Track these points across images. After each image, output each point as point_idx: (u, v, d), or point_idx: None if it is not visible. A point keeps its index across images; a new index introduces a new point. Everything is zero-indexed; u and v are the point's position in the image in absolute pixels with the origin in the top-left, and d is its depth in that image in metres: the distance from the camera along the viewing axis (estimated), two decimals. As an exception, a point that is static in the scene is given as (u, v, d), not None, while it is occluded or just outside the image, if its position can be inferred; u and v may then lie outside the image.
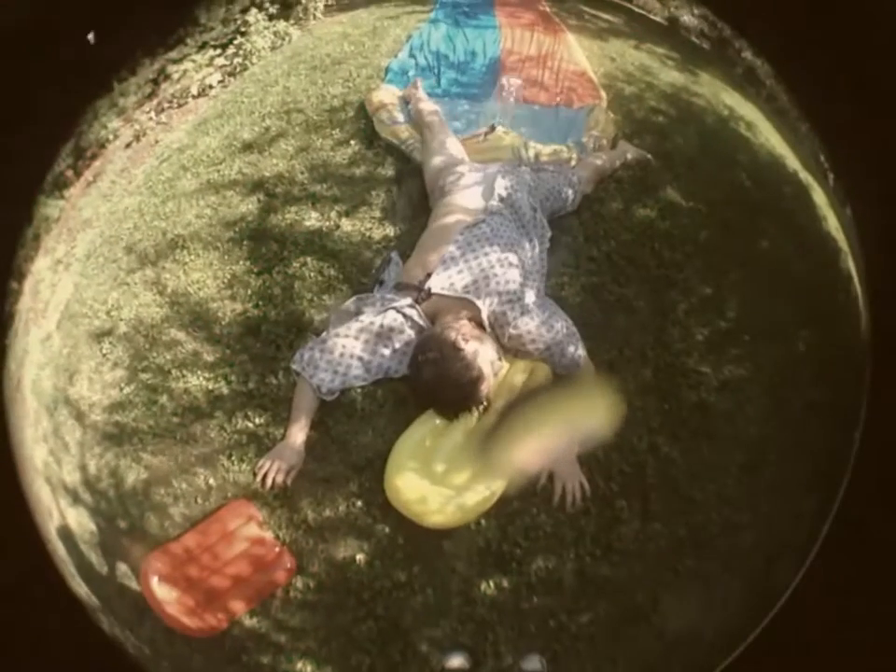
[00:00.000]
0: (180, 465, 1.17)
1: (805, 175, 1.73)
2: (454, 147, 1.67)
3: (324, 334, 1.23)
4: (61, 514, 1.12)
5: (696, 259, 1.53)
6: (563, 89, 2.33)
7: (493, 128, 1.88)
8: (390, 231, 1.54)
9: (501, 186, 1.43)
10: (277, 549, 1.09)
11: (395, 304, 1.20)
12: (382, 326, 1.19)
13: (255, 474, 1.13)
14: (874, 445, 0.68)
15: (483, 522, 1.11)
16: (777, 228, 1.71)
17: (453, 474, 1.12)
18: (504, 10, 3.23)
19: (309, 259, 1.45)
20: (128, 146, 2.30)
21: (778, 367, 1.40)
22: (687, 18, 2.54)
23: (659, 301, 1.41)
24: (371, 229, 1.54)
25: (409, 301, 1.21)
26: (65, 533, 1.10)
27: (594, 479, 1.17)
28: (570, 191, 1.56)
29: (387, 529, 1.11)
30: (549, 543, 1.15)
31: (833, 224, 1.51)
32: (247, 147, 1.94)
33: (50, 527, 1.08)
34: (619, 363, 1.29)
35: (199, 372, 1.25)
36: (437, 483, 1.11)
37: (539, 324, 1.19)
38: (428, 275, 1.23)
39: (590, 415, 1.10)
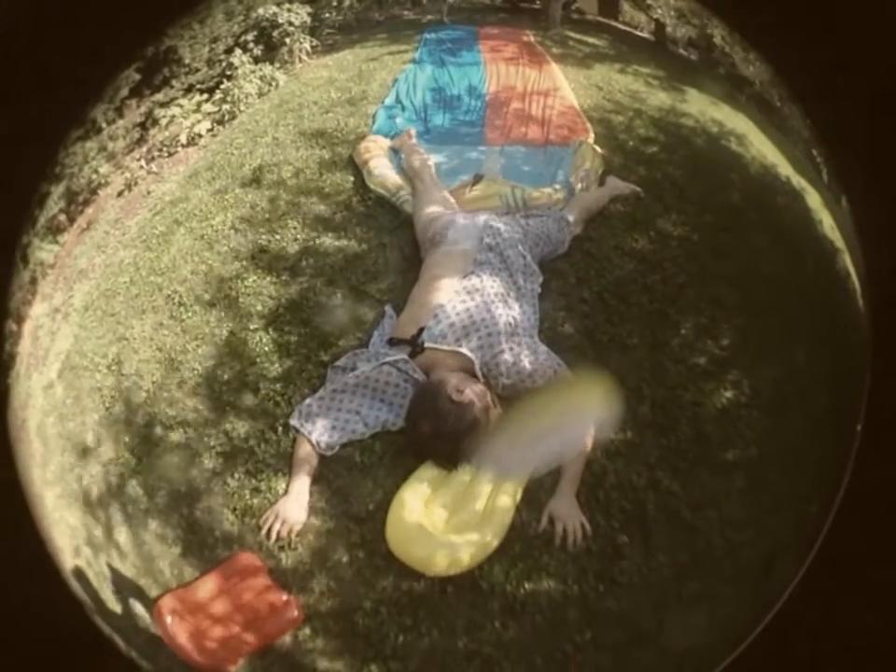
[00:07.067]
0: (185, 518, 1.19)
1: (798, 180, 1.72)
2: (444, 197, 1.68)
3: (321, 390, 1.25)
4: (75, 552, 1.15)
5: (689, 288, 1.54)
6: (550, 126, 2.30)
7: (479, 177, 1.87)
8: (383, 284, 1.56)
9: (490, 236, 1.45)
10: (285, 597, 1.12)
11: (389, 359, 1.22)
12: (377, 381, 1.21)
13: (259, 527, 1.15)
14: (874, 447, 0.68)
15: (485, 567, 1.12)
16: (770, 244, 1.71)
17: (454, 522, 1.13)
18: (488, 44, 3.20)
19: (304, 315, 1.46)
20: (120, 194, 2.31)
21: (778, 385, 1.40)
22: (672, 28, 2.52)
23: (653, 336, 1.41)
24: (364, 283, 1.56)
25: (403, 355, 1.23)
26: (79, 572, 1.12)
27: (594, 518, 1.18)
28: (561, 234, 1.57)
29: (391, 578, 1.12)
30: (552, 582, 1.16)
31: (828, 223, 1.50)
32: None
33: (64, 564, 1.10)
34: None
35: (200, 429, 1.27)
36: (439, 531, 1.12)
37: (531, 371, 1.21)
38: (421, 329, 1.25)
39: (588, 406, 1.10)
